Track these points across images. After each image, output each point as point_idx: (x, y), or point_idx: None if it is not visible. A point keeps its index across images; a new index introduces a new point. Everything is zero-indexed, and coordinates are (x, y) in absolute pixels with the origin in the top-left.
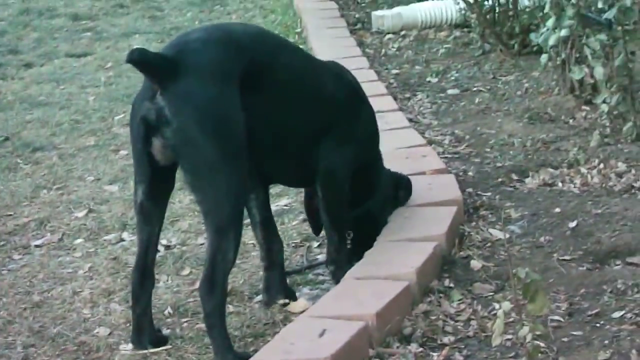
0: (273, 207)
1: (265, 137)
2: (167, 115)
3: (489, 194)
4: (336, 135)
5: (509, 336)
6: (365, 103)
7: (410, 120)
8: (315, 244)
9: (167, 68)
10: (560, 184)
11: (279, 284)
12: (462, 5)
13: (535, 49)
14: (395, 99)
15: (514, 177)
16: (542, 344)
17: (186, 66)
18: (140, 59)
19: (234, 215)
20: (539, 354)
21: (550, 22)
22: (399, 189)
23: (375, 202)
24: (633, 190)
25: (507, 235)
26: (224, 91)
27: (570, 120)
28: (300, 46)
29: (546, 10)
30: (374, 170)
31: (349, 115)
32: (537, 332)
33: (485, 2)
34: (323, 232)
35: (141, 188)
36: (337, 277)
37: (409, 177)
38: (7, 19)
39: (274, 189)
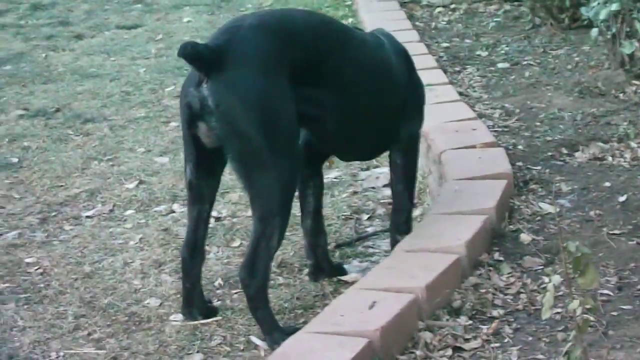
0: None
1: (339, 127)
2: (210, 105)
3: (538, 167)
4: (410, 105)
5: (559, 310)
6: (413, 64)
7: (460, 93)
8: (365, 217)
9: (213, 58)
10: (610, 158)
11: (327, 270)
12: None
13: (585, 22)
14: (445, 72)
15: (564, 151)
16: (591, 318)
17: (233, 56)
18: (193, 54)
19: (281, 205)
20: (589, 328)
21: None
22: None
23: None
24: None
25: (557, 209)
26: (270, 82)
27: (621, 95)
28: (350, 19)
29: None
30: None
31: (413, 83)
32: (587, 306)
33: None
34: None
35: (189, 167)
36: None
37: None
38: None
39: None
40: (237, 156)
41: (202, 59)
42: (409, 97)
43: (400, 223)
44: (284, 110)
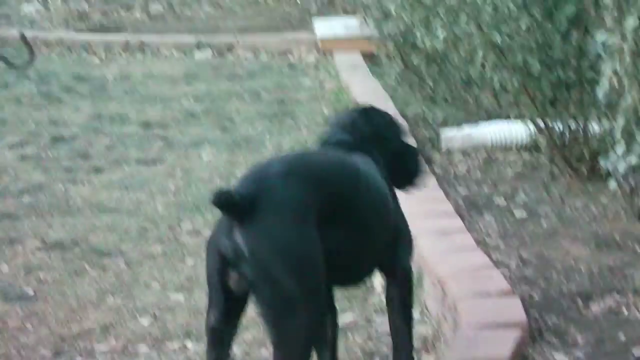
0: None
1: (345, 262)
2: (244, 253)
3: (554, 318)
4: (401, 235)
5: None
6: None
7: (477, 241)
8: None
9: (245, 205)
10: (625, 311)
11: None
12: (532, 128)
13: (604, 174)
14: (462, 219)
15: (579, 302)
16: None
17: (265, 203)
18: (227, 203)
19: (304, 350)
20: None
21: (620, 149)
22: None
23: None
24: None
25: None
26: (303, 229)
27: (638, 248)
28: None
29: (616, 136)
30: None
31: (398, 207)
32: None
33: (555, 127)
34: None
35: (214, 313)
36: None
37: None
38: (79, 124)
39: (338, 305)
40: (268, 301)
41: (235, 207)
42: (399, 226)
43: None
44: (315, 257)
